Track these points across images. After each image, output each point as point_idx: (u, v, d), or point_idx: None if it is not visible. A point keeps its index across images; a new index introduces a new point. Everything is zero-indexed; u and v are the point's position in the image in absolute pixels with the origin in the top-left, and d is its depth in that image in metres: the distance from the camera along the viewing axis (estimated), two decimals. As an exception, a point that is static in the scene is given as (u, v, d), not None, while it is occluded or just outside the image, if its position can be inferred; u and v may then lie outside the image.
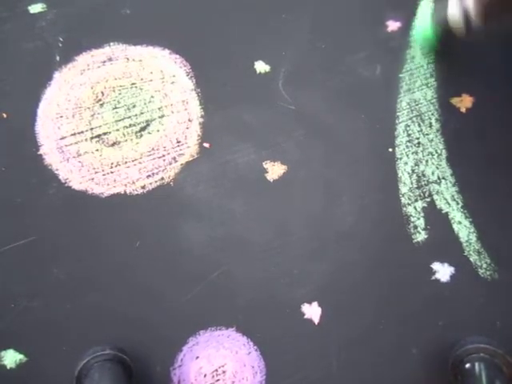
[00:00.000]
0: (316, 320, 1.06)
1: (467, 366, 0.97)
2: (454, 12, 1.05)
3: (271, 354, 1.05)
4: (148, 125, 1.15)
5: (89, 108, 1.15)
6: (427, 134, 1.16)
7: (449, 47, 1.18)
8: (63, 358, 1.02)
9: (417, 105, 1.18)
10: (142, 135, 1.14)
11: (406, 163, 1.14)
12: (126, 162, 1.13)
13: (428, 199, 1.13)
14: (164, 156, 1.13)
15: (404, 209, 1.12)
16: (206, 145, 1.14)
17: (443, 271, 1.09)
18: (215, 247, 1.09)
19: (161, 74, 1.18)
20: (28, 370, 1.02)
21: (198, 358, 1.05)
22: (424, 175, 1.14)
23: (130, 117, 1.15)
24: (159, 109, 1.16)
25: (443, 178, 1.14)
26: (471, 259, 1.09)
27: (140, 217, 1.10)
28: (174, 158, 1.13)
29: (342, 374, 1.04)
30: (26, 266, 1.06)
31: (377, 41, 1.21)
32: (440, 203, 1.12)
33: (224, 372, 1.05)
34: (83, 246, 1.08)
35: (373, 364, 1.04)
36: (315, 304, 1.07)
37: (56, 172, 1.11)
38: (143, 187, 1.12)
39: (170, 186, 1.12)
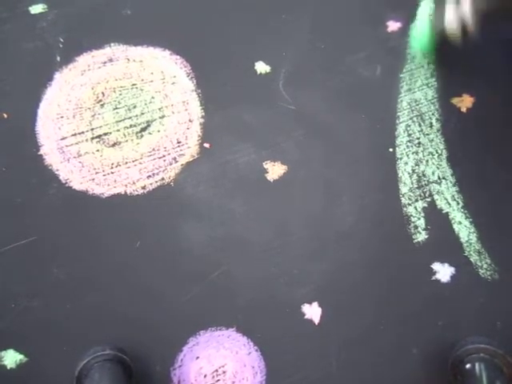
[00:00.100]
0: (316, 320, 1.06)
1: (467, 366, 0.96)
2: (451, 19, 1.05)
3: (271, 354, 1.05)
4: (148, 125, 1.15)
5: (89, 108, 1.15)
6: (428, 134, 1.16)
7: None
8: (63, 358, 1.02)
9: (417, 105, 1.18)
10: (142, 136, 1.14)
11: (406, 163, 1.14)
12: (126, 163, 1.13)
13: (428, 199, 1.12)
14: (164, 156, 1.13)
15: (404, 209, 1.12)
16: (207, 145, 1.15)
17: (443, 271, 1.08)
18: (215, 247, 1.09)
19: (161, 74, 1.18)
20: (28, 370, 1.02)
21: (198, 358, 1.05)
22: (424, 175, 1.14)
23: (130, 117, 1.15)
24: (160, 109, 1.16)
25: (444, 178, 1.13)
26: (471, 259, 1.09)
27: (140, 217, 1.10)
28: (175, 159, 1.13)
29: (342, 373, 1.04)
30: (25, 266, 1.06)
31: (377, 41, 1.21)
32: (440, 203, 1.12)
33: (224, 372, 1.05)
34: (83, 246, 1.08)
35: (373, 364, 1.04)
36: (315, 304, 1.07)
37: (56, 172, 1.12)
38: (144, 187, 1.12)
39: (170, 186, 1.12)
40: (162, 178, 1.12)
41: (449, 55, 1.19)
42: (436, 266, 1.09)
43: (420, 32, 1.17)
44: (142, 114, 1.15)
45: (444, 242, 1.10)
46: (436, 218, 1.12)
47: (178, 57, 1.20)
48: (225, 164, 1.14)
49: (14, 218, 1.08)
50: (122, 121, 1.15)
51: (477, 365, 0.96)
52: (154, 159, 1.13)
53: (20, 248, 1.07)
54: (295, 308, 1.07)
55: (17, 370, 1.02)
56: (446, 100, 1.18)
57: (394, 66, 1.20)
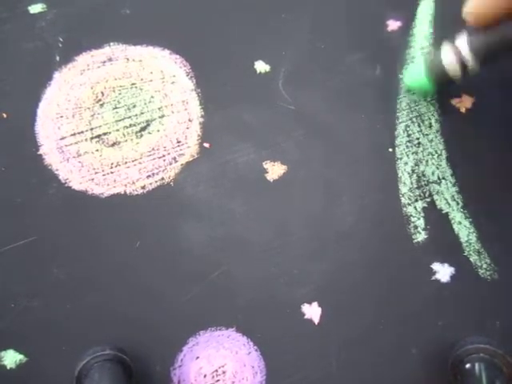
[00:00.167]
0: (316, 320, 1.06)
1: (467, 366, 0.97)
2: (449, 60, 1.04)
3: (271, 354, 1.05)
4: (148, 125, 1.15)
5: (89, 108, 1.15)
6: (427, 135, 1.16)
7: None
8: (63, 358, 1.02)
9: (417, 105, 1.18)
10: (142, 135, 1.14)
11: (406, 163, 1.14)
12: (126, 162, 1.13)
13: (428, 199, 1.13)
14: (164, 156, 1.13)
15: (404, 209, 1.12)
16: (206, 145, 1.14)
17: (443, 271, 1.09)
18: (215, 247, 1.09)
19: (161, 74, 1.18)
20: (28, 370, 1.02)
21: (198, 358, 1.05)
22: (424, 175, 1.14)
23: (130, 117, 1.15)
24: (159, 109, 1.16)
25: (443, 178, 1.14)
26: (471, 259, 1.09)
27: (140, 217, 1.10)
28: (174, 158, 1.13)
29: (342, 373, 1.04)
30: (26, 266, 1.06)
31: (377, 41, 1.21)
32: (440, 203, 1.12)
33: (224, 372, 1.05)
34: (83, 246, 1.08)
35: (373, 364, 1.04)
36: (315, 304, 1.07)
37: (56, 172, 1.11)
38: (143, 187, 1.12)
39: (170, 186, 1.12)
40: (162, 178, 1.12)
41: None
42: (436, 265, 1.09)
43: (416, 74, 1.14)
44: (142, 113, 1.15)
45: (444, 242, 1.10)
46: (436, 217, 1.12)
47: (178, 56, 1.19)
48: (224, 164, 1.14)
49: (14, 217, 1.08)
50: (121, 120, 1.15)
51: (476, 365, 0.96)
52: (154, 159, 1.13)
53: (20, 248, 1.07)
54: (295, 308, 1.07)
55: (16, 369, 1.02)
56: (446, 100, 1.18)
57: (393, 66, 1.20)
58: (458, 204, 1.12)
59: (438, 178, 1.14)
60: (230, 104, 1.17)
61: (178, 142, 1.14)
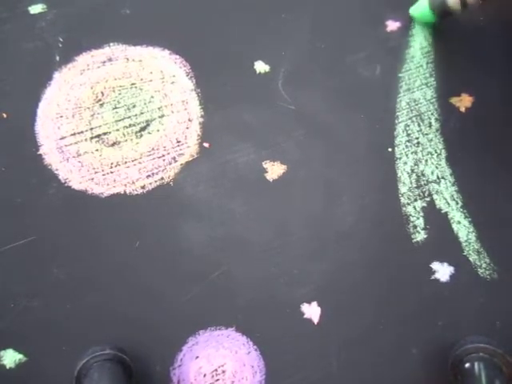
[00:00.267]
0: (316, 320, 1.06)
1: (467, 365, 0.97)
2: None
3: (271, 354, 1.05)
4: (148, 125, 1.15)
5: (89, 108, 1.15)
6: (427, 134, 1.16)
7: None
8: (63, 358, 1.02)
9: (416, 104, 1.18)
10: (141, 135, 1.14)
11: (405, 163, 1.14)
12: (125, 162, 1.13)
13: (427, 199, 1.13)
14: (164, 156, 1.13)
15: (403, 208, 1.12)
16: (206, 145, 1.15)
17: (443, 271, 1.09)
18: (215, 247, 1.09)
19: (161, 74, 1.18)
20: (28, 369, 1.02)
21: (197, 357, 1.05)
22: (423, 175, 1.14)
23: (129, 117, 1.15)
24: (159, 109, 1.16)
25: (443, 178, 1.14)
26: (471, 259, 1.09)
27: (140, 217, 1.10)
28: (174, 158, 1.13)
29: (342, 373, 1.04)
30: (26, 266, 1.06)
31: (377, 41, 1.21)
32: (439, 203, 1.12)
33: (224, 372, 1.05)
34: (83, 246, 1.08)
35: (373, 364, 1.04)
36: (315, 304, 1.07)
37: (56, 172, 1.11)
38: (143, 187, 1.12)
39: (169, 185, 1.12)
40: (162, 178, 1.12)
41: (448, 54, 1.19)
42: (435, 265, 1.09)
43: (420, 5, 1.19)
44: (142, 113, 1.15)
45: (443, 242, 1.10)
46: (435, 217, 1.12)
47: (178, 56, 1.19)
48: (224, 164, 1.14)
49: (14, 217, 1.08)
50: (121, 120, 1.15)
51: (476, 364, 0.97)
52: (154, 159, 1.13)
53: (20, 248, 1.07)
54: (295, 308, 1.07)
55: (16, 369, 1.02)
56: (445, 100, 1.18)
57: (393, 65, 1.20)
58: (457, 203, 1.12)
59: (438, 178, 1.14)
60: (230, 104, 1.17)
61: (178, 141, 1.14)
